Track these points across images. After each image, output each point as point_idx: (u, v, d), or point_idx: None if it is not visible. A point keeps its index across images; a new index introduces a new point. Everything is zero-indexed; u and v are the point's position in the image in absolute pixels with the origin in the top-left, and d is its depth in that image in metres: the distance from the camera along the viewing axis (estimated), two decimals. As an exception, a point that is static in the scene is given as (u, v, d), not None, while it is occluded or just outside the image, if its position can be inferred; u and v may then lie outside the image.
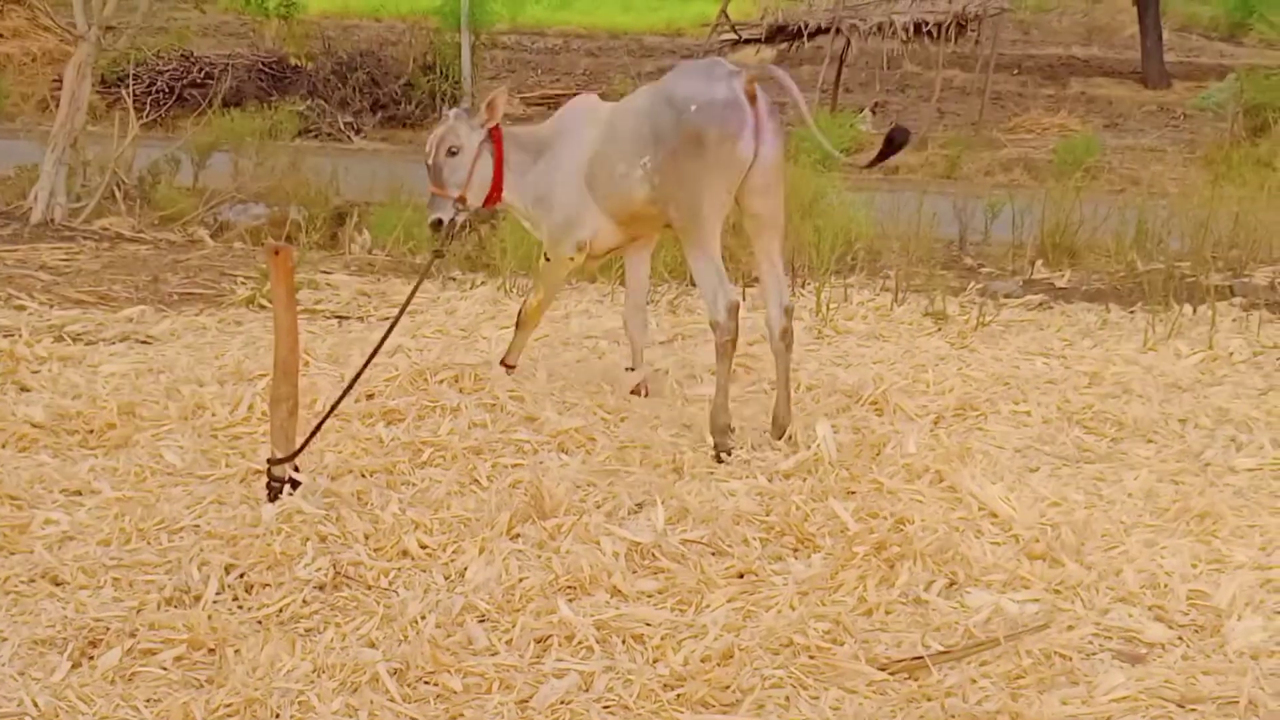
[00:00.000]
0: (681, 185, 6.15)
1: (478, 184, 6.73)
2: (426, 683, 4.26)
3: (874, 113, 21.34)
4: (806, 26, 19.53)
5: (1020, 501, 5.60)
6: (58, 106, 12.00)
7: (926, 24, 18.97)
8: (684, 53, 27.54)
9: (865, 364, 7.56)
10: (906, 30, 18.99)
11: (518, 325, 7.05)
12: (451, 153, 6.67)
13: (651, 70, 25.02)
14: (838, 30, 19.20)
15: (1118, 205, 11.05)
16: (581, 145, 6.65)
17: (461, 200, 6.71)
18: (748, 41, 20.94)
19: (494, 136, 6.74)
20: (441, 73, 19.78)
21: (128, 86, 13.27)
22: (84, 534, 5.18)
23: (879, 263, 10.20)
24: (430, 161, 6.73)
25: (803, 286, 9.33)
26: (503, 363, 7.01)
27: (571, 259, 6.73)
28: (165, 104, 17.19)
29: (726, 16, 20.63)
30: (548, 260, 6.85)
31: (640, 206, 6.42)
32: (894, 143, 5.96)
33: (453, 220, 6.74)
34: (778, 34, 20.27)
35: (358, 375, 6.02)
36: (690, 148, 6.07)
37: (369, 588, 4.85)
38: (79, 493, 5.57)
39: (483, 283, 9.47)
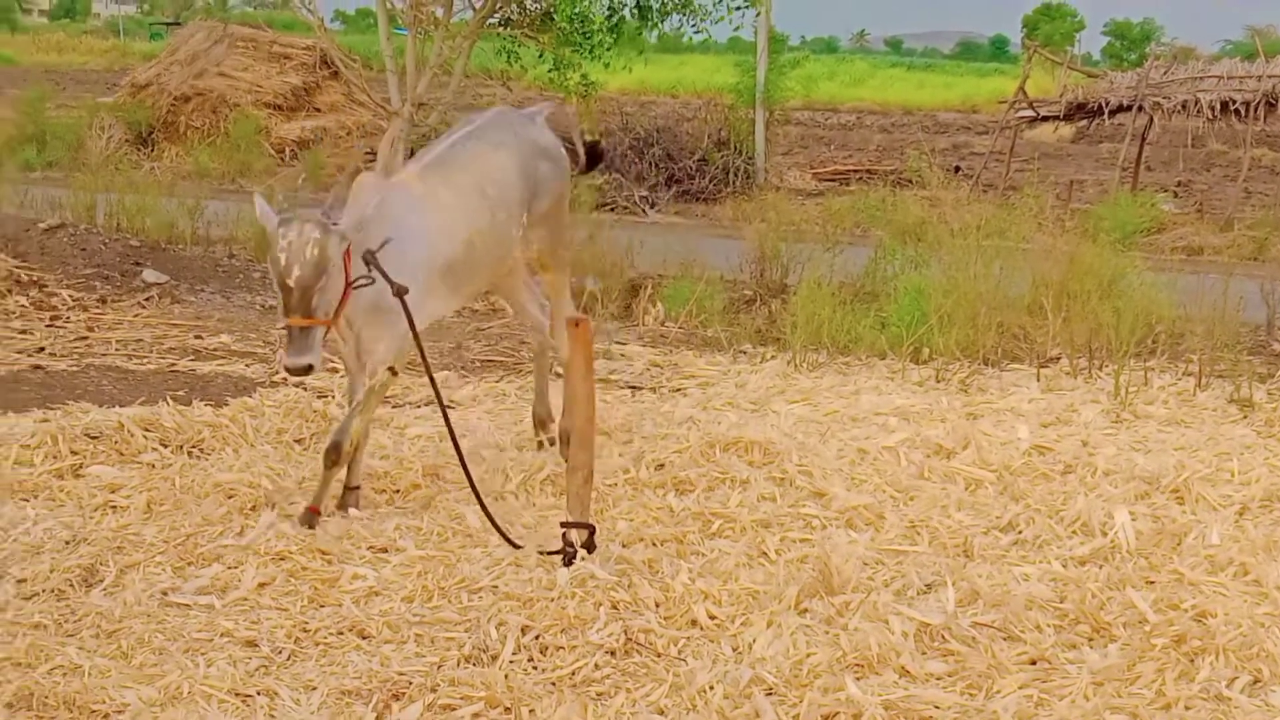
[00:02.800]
0: (560, 222, 7.10)
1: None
2: (714, 753, 4.30)
3: (1176, 194, 20.78)
4: (1107, 104, 19.13)
5: (1331, 599, 5.36)
6: (371, 179, 12.55)
7: (1234, 102, 18.38)
8: (978, 129, 27.30)
9: (1166, 450, 7.34)
10: (1213, 108, 18.43)
11: (337, 463, 6.01)
12: (324, 272, 5.65)
13: (946, 147, 24.88)
14: (1140, 108, 18.76)
15: None
16: (419, 236, 6.12)
17: (329, 325, 5.79)
18: (1045, 118, 20.65)
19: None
20: (736, 149, 20.05)
21: (436, 160, 13.79)
22: (389, 590, 5.39)
23: (1181, 346, 9.90)
24: (296, 284, 5.59)
25: (1100, 369, 9.12)
26: (309, 509, 6.03)
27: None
28: (470, 176, 17.80)
29: (1025, 93, 20.38)
30: (392, 373, 6.07)
31: (506, 264, 6.86)
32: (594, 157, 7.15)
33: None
34: (1077, 111, 19.93)
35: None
36: (566, 185, 7.11)
37: (658, 655, 4.91)
38: (385, 550, 5.79)
39: (773, 357, 9.53)
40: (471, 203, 6.41)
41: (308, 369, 5.66)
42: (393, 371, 6.06)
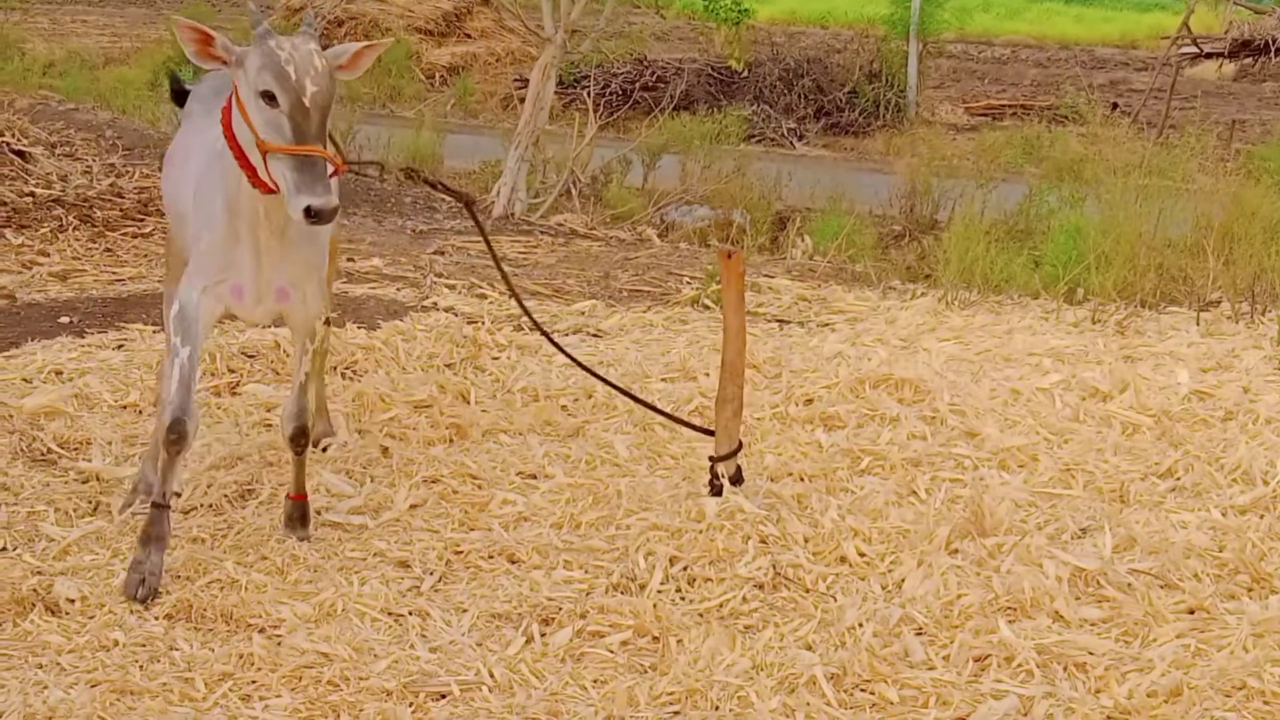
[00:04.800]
0: None
1: None
2: (862, 690, 4.28)
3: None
4: (1275, 41, 18.53)
5: None
6: (520, 105, 12.59)
7: None
8: (1137, 66, 26.61)
9: (1331, 399, 7.11)
10: (1387, 46, 17.80)
11: (308, 445, 5.25)
12: (335, 91, 4.68)
13: (1103, 83, 24.33)
14: (1309, 45, 18.17)
15: None
16: None
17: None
18: (1209, 55, 20.07)
19: None
20: (887, 81, 19.77)
21: (586, 88, 13.79)
22: (538, 516, 5.42)
23: (1348, 293, 9.57)
24: (313, 102, 4.51)
25: (1263, 314, 8.87)
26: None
27: None
28: (618, 106, 17.77)
29: (1188, 29, 19.79)
30: (328, 324, 5.38)
31: None
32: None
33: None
34: (1242, 48, 19.34)
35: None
36: None
37: (807, 591, 4.89)
38: (534, 476, 5.83)
39: (923, 294, 9.38)
40: None
41: (337, 209, 4.60)
42: (328, 322, 5.31)
